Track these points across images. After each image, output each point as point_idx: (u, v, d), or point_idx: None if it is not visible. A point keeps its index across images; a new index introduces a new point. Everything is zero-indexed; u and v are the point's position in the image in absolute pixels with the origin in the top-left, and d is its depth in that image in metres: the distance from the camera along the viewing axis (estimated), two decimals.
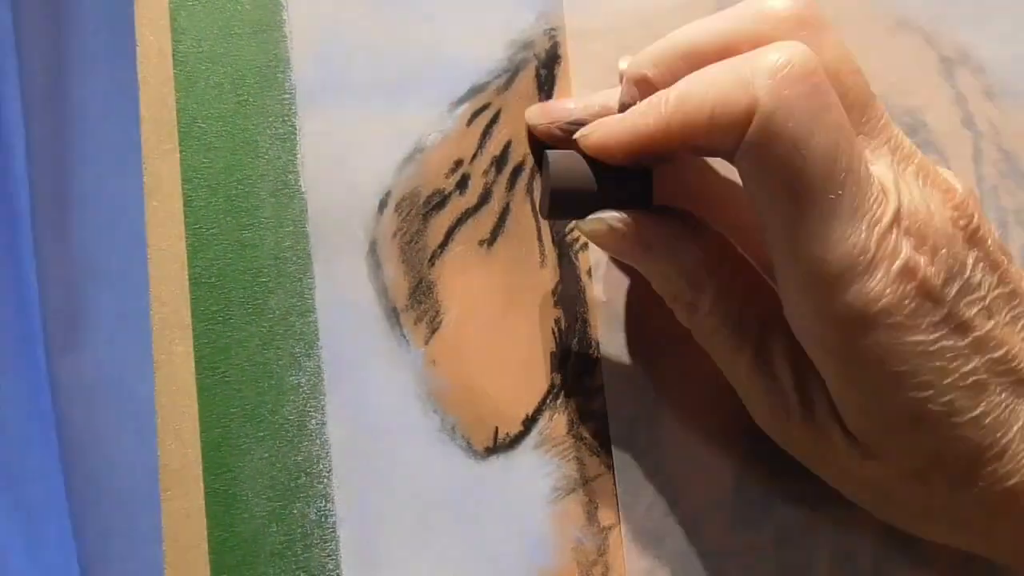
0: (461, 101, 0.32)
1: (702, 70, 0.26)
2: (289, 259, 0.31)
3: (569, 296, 0.31)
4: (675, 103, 0.26)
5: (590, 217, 0.28)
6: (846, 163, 0.24)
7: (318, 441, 0.30)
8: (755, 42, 0.26)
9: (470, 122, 0.32)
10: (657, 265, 0.28)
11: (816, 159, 0.24)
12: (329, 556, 0.29)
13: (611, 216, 0.28)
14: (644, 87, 0.28)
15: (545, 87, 0.32)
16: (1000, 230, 0.32)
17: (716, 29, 0.27)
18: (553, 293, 0.31)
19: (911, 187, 0.25)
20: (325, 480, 0.30)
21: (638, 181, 0.28)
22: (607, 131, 0.28)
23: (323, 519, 0.30)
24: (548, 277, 0.32)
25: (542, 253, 0.32)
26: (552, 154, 0.29)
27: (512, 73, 0.32)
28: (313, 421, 0.30)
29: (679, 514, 0.30)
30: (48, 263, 0.76)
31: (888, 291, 0.24)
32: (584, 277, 0.32)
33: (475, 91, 0.32)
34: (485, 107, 0.32)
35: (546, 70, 0.33)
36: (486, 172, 0.32)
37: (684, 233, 0.28)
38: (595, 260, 0.32)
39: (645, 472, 0.30)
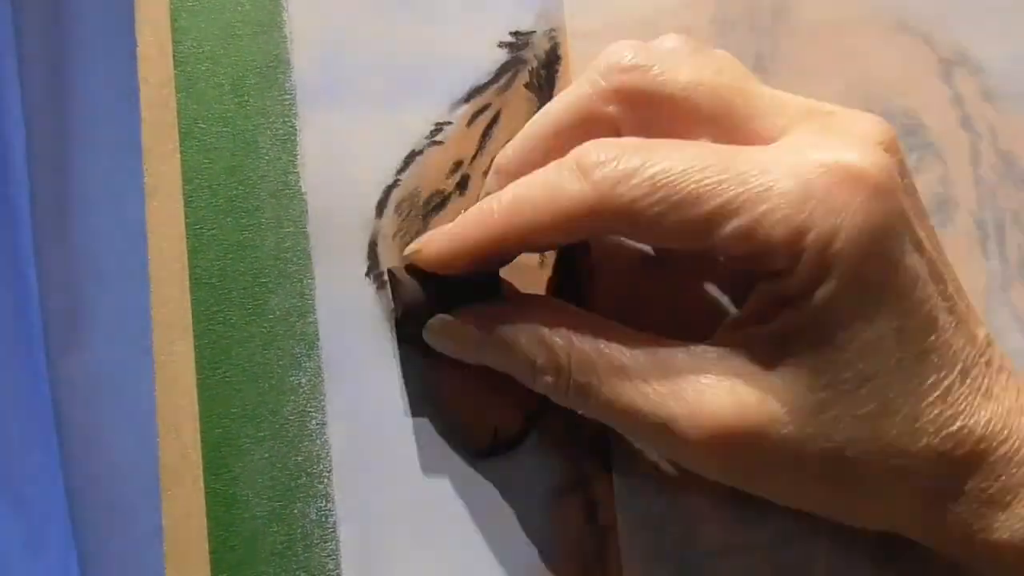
0: (461, 101, 0.32)
1: (529, 177, 0.26)
2: (289, 259, 0.31)
3: (569, 296, 0.31)
4: (507, 208, 0.26)
5: (430, 323, 0.28)
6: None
7: (318, 441, 0.30)
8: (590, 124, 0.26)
9: (470, 122, 0.32)
10: (508, 346, 0.27)
11: (683, 167, 0.24)
12: (329, 556, 0.29)
13: (443, 317, 0.28)
14: (505, 180, 0.28)
15: (545, 87, 0.33)
16: (997, 231, 0.32)
17: (553, 112, 0.28)
18: (553, 293, 0.32)
19: None
20: (325, 480, 0.30)
21: (484, 284, 0.28)
22: (437, 246, 0.27)
23: (323, 519, 0.30)
24: (548, 277, 0.32)
25: (542, 253, 0.32)
26: (391, 274, 0.29)
27: (512, 73, 0.33)
28: (313, 421, 0.30)
29: (679, 514, 0.30)
30: (48, 263, 0.76)
31: None
32: (585, 277, 0.32)
33: (475, 91, 0.32)
34: (485, 107, 0.32)
35: (546, 70, 0.33)
36: (486, 173, 0.32)
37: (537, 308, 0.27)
38: (596, 260, 0.32)
39: (645, 472, 0.30)
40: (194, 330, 0.30)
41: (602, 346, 0.25)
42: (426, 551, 0.30)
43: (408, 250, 0.28)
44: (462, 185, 0.32)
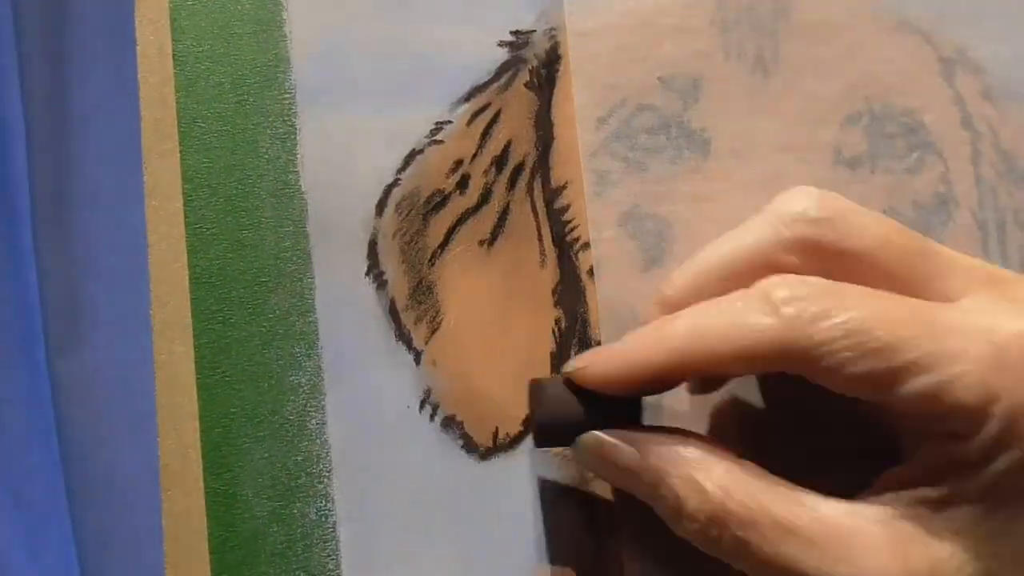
0: (461, 100, 0.32)
1: (709, 304, 0.25)
2: (289, 259, 0.31)
3: (569, 296, 0.31)
4: (685, 335, 0.25)
5: (579, 439, 0.27)
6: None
7: (318, 441, 0.30)
8: (771, 259, 0.26)
9: (470, 121, 0.32)
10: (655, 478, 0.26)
11: (886, 315, 0.23)
12: (329, 556, 0.29)
13: (598, 435, 0.26)
14: (669, 310, 0.27)
15: (545, 86, 0.33)
16: (998, 231, 0.32)
17: (728, 253, 0.27)
18: (553, 293, 0.32)
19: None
20: (325, 480, 0.30)
21: (626, 405, 0.27)
22: (605, 366, 0.26)
23: (323, 519, 0.30)
24: (548, 277, 0.32)
25: (542, 253, 0.32)
26: (536, 385, 0.28)
27: (512, 73, 0.33)
28: (313, 421, 0.30)
29: None
30: (48, 263, 0.76)
31: None
32: (584, 277, 0.32)
33: (475, 90, 0.32)
34: (485, 107, 0.32)
35: (546, 70, 0.33)
36: (486, 172, 0.32)
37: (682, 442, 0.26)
38: (596, 260, 0.32)
39: None
40: (194, 330, 0.30)
41: (764, 500, 0.24)
42: (426, 551, 0.30)
43: (568, 367, 0.27)
44: (462, 184, 0.32)
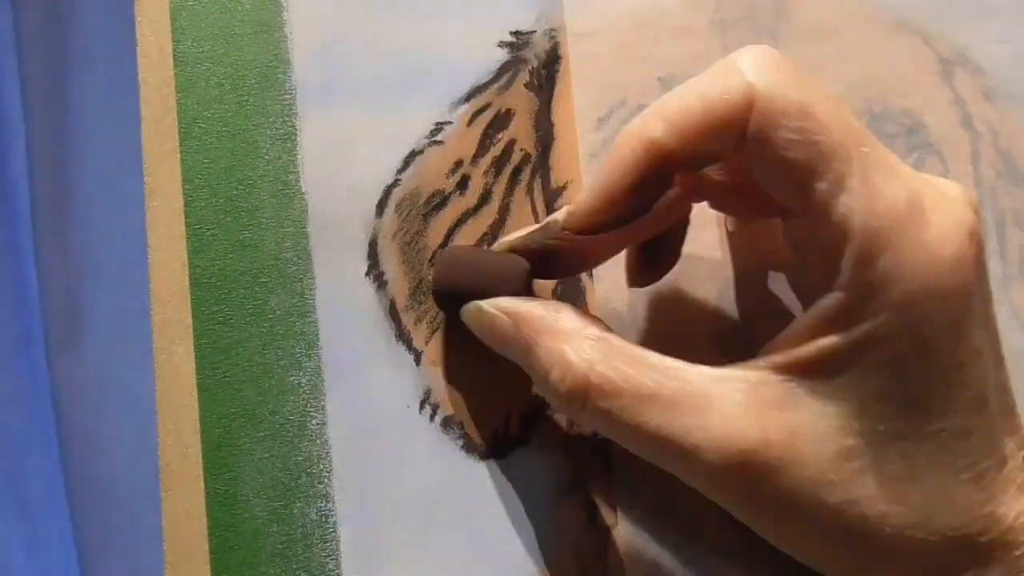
0: (461, 101, 0.32)
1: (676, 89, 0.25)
2: (289, 259, 0.31)
3: (569, 296, 0.31)
4: (656, 116, 0.25)
5: (463, 308, 0.28)
6: (857, 124, 0.23)
7: (318, 441, 0.30)
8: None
9: (471, 122, 0.32)
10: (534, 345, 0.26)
11: (833, 122, 0.23)
12: (329, 556, 0.29)
13: (479, 304, 0.27)
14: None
15: (545, 87, 0.33)
16: (997, 231, 0.32)
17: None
18: (553, 293, 0.32)
19: None
20: (325, 480, 0.30)
21: (514, 276, 0.28)
22: (587, 200, 0.26)
23: (323, 519, 0.30)
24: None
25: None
26: (440, 252, 0.29)
27: (512, 73, 0.33)
28: (313, 421, 0.30)
29: (679, 514, 0.30)
30: (48, 263, 0.77)
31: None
32: (584, 277, 0.32)
33: (476, 91, 0.32)
34: (486, 107, 0.32)
35: (546, 70, 0.33)
36: (486, 172, 0.32)
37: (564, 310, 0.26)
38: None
39: (645, 472, 0.30)
40: (194, 330, 0.30)
41: (627, 371, 0.24)
42: (426, 551, 0.30)
43: (556, 218, 0.27)
44: (462, 184, 0.32)
